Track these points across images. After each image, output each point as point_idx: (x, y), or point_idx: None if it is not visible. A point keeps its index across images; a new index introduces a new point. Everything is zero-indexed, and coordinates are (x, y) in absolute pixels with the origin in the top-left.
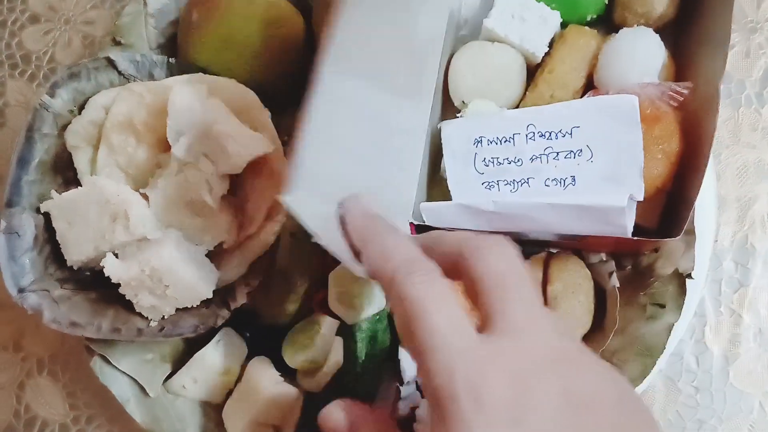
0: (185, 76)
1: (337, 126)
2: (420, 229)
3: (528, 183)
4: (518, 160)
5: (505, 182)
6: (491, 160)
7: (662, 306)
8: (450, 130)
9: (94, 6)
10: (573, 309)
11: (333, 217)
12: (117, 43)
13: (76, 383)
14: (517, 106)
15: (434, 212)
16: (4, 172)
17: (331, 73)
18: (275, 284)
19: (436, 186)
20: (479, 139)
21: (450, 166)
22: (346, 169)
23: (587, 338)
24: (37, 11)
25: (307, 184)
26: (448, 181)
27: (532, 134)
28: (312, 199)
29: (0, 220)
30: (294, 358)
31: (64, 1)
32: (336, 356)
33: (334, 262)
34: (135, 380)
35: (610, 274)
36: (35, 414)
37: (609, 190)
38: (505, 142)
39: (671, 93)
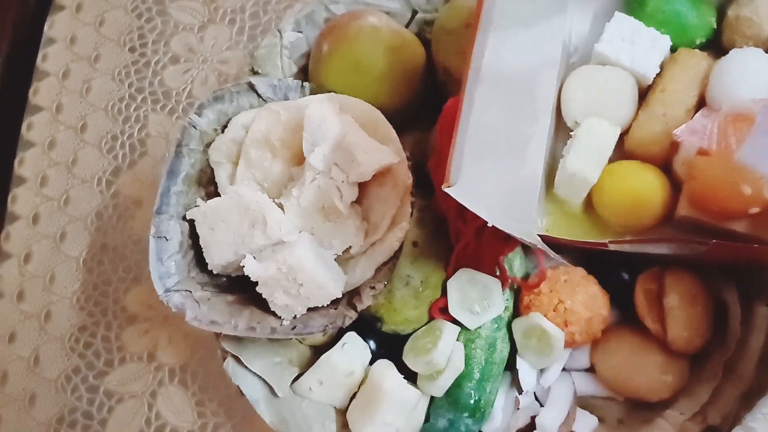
0: (319, 95)
1: (486, 133)
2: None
3: None
4: None
5: None
6: None
7: None
8: None
9: (228, 47)
10: (690, 320)
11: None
12: (255, 73)
13: (205, 392)
14: (629, 126)
15: None
16: (145, 196)
17: (480, 90)
18: (398, 290)
19: (550, 201)
20: None
21: None
22: (492, 168)
23: (710, 349)
24: (178, 52)
25: (466, 177)
26: None
27: None
28: (472, 188)
29: (151, 226)
30: (416, 361)
31: (202, 43)
32: (457, 360)
33: (454, 270)
34: (265, 382)
35: (729, 286)
36: (165, 421)
37: None
38: None
39: None
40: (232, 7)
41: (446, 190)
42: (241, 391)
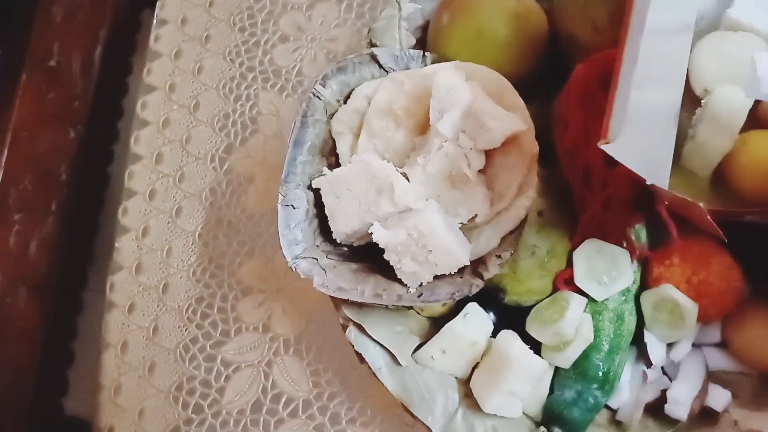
0: (446, 63)
1: (644, 91)
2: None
3: None
4: None
5: None
6: None
7: None
8: None
9: (336, 25)
10: None
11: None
12: (373, 45)
13: (319, 362)
14: None
15: None
16: (257, 172)
17: (644, 44)
18: (522, 260)
19: (677, 174)
20: None
21: None
22: (640, 138)
23: None
24: (287, 31)
25: (626, 135)
26: None
27: None
28: (628, 147)
29: (279, 194)
30: (542, 331)
31: (311, 21)
32: (586, 331)
33: (580, 240)
34: (386, 350)
35: None
36: (281, 390)
37: None
38: None
39: None
40: None
41: (603, 146)
42: (360, 359)
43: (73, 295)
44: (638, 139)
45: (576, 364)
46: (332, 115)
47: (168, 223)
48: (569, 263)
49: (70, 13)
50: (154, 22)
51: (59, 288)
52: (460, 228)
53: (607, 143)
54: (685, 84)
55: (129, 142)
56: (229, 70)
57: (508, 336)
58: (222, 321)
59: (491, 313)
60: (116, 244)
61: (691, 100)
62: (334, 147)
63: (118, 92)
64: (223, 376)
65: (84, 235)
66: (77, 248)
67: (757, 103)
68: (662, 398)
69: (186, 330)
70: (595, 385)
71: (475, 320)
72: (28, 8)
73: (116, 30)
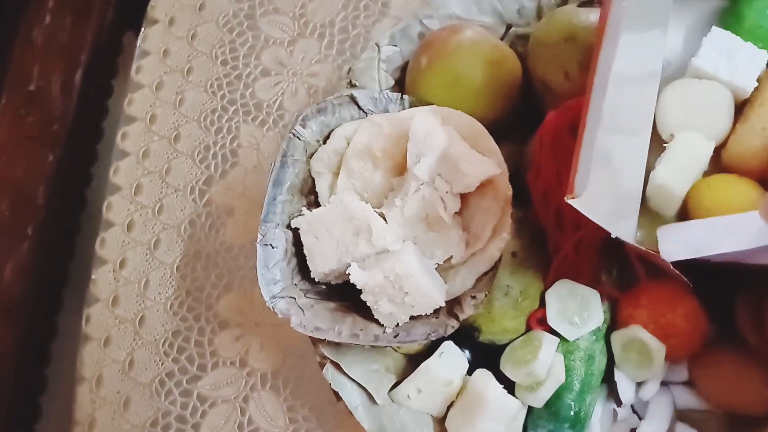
0: (423, 108)
1: (608, 143)
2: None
3: None
4: None
5: None
6: None
7: None
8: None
9: (318, 61)
10: None
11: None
12: (352, 85)
13: (296, 398)
14: (726, 140)
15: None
16: (237, 205)
17: (607, 101)
18: (497, 300)
19: (644, 214)
20: None
21: None
22: (609, 180)
23: None
24: (268, 66)
25: (592, 190)
26: None
27: None
28: (594, 200)
29: (258, 233)
30: (516, 371)
31: (292, 57)
32: (558, 371)
33: (553, 281)
34: (363, 389)
35: None
36: (257, 426)
37: None
38: None
39: None
40: (321, 22)
41: (570, 201)
42: (337, 398)
43: (48, 320)
44: (604, 192)
45: (548, 404)
46: (312, 154)
47: (146, 255)
48: (542, 303)
49: (51, 37)
50: (136, 53)
51: (33, 313)
52: (436, 269)
53: (572, 198)
54: (653, 130)
55: (108, 169)
56: (211, 102)
57: (483, 376)
58: (199, 355)
59: (466, 351)
60: (93, 276)
61: (657, 144)
62: (314, 186)
63: (98, 115)
64: (199, 412)
65: (59, 259)
66: (52, 272)
67: (720, 147)
68: None
69: (162, 364)
70: (567, 425)
71: (451, 359)
72: (8, 32)
73: (97, 53)
